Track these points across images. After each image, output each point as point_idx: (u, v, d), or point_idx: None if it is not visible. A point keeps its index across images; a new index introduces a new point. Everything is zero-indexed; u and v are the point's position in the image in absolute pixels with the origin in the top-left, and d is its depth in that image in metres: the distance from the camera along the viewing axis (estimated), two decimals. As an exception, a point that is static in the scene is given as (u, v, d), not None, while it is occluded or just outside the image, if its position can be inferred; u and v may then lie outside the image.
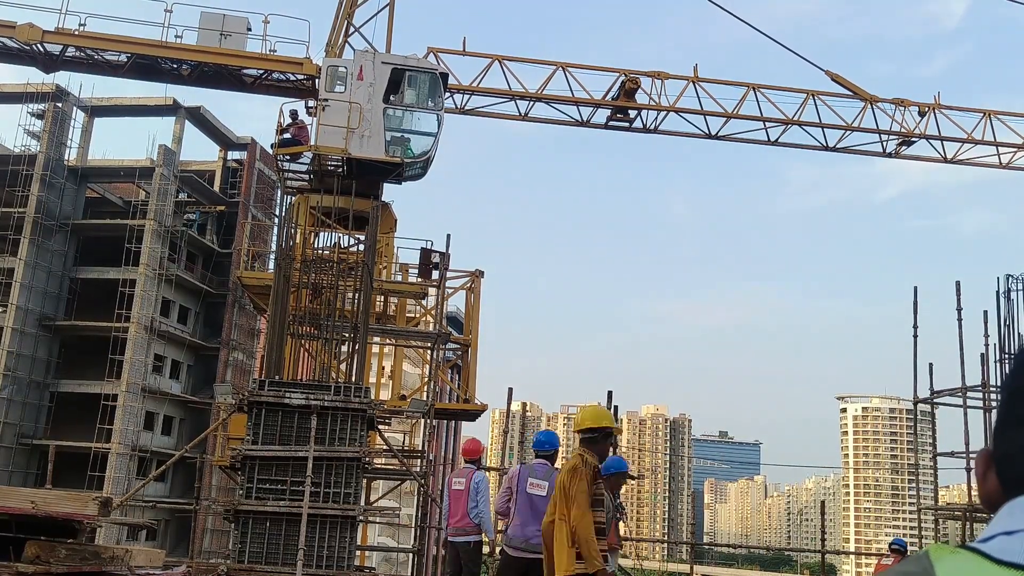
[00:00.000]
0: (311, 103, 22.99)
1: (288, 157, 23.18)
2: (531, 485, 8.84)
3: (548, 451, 9.20)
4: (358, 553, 21.64)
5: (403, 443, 29.44)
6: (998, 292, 22.69)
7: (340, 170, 22.44)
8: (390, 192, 24.03)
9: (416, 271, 24.62)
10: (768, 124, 25.59)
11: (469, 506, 11.31)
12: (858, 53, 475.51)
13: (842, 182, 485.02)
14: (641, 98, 25.20)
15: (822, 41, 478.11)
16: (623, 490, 11.60)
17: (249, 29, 23.13)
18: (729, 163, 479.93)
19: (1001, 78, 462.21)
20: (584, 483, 6.58)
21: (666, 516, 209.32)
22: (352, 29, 23.77)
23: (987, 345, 21.79)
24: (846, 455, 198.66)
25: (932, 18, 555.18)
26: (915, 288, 23.83)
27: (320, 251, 20.93)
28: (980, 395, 21.93)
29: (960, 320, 22.43)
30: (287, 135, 22.84)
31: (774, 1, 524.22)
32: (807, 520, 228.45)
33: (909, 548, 17.15)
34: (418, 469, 21.44)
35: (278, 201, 42.89)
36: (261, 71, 23.55)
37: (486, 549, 12.66)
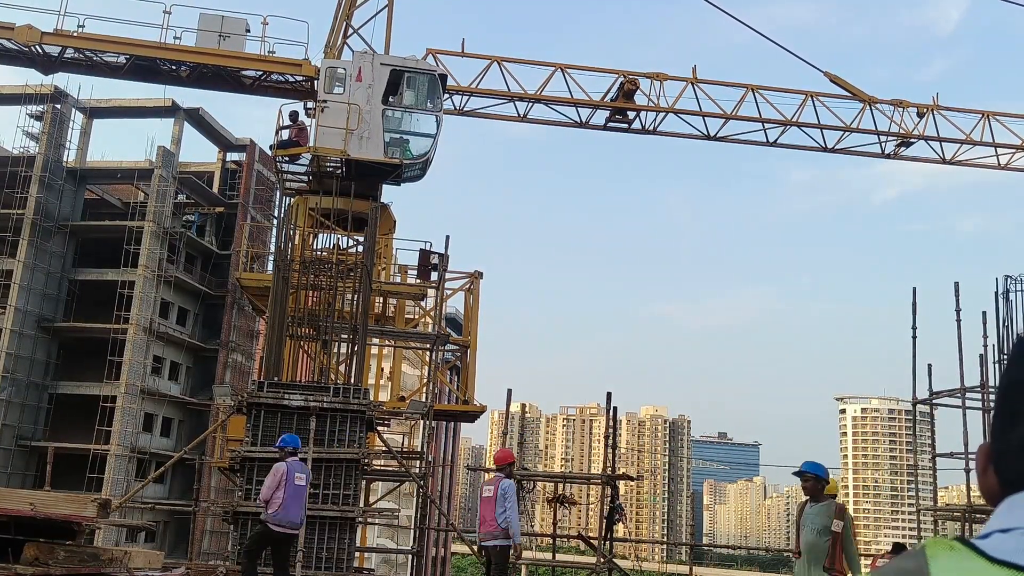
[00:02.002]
0: (310, 104, 22.98)
1: (287, 158, 23.17)
2: (297, 478, 11.27)
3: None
4: (357, 554, 21.62)
5: (402, 444, 29.38)
6: (996, 293, 22.73)
7: (339, 171, 22.43)
8: (389, 193, 24.04)
9: (415, 272, 24.63)
10: (767, 125, 25.60)
11: (496, 511, 11.72)
12: (856, 57, 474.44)
13: (841, 184, 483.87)
14: (640, 99, 25.21)
15: (821, 45, 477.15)
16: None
17: (248, 30, 23.12)
18: (728, 164, 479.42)
19: (998, 82, 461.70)
20: None
21: (665, 517, 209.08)
22: (351, 30, 23.78)
23: (986, 346, 21.83)
24: (845, 456, 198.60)
25: (930, 22, 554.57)
26: (914, 289, 23.87)
27: (319, 252, 20.93)
28: (979, 396, 21.95)
29: (959, 321, 22.44)
30: (286, 130, 22.82)
31: (773, 5, 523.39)
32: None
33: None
34: (417, 470, 21.42)
35: (277, 202, 42.83)
36: (260, 72, 23.55)
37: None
